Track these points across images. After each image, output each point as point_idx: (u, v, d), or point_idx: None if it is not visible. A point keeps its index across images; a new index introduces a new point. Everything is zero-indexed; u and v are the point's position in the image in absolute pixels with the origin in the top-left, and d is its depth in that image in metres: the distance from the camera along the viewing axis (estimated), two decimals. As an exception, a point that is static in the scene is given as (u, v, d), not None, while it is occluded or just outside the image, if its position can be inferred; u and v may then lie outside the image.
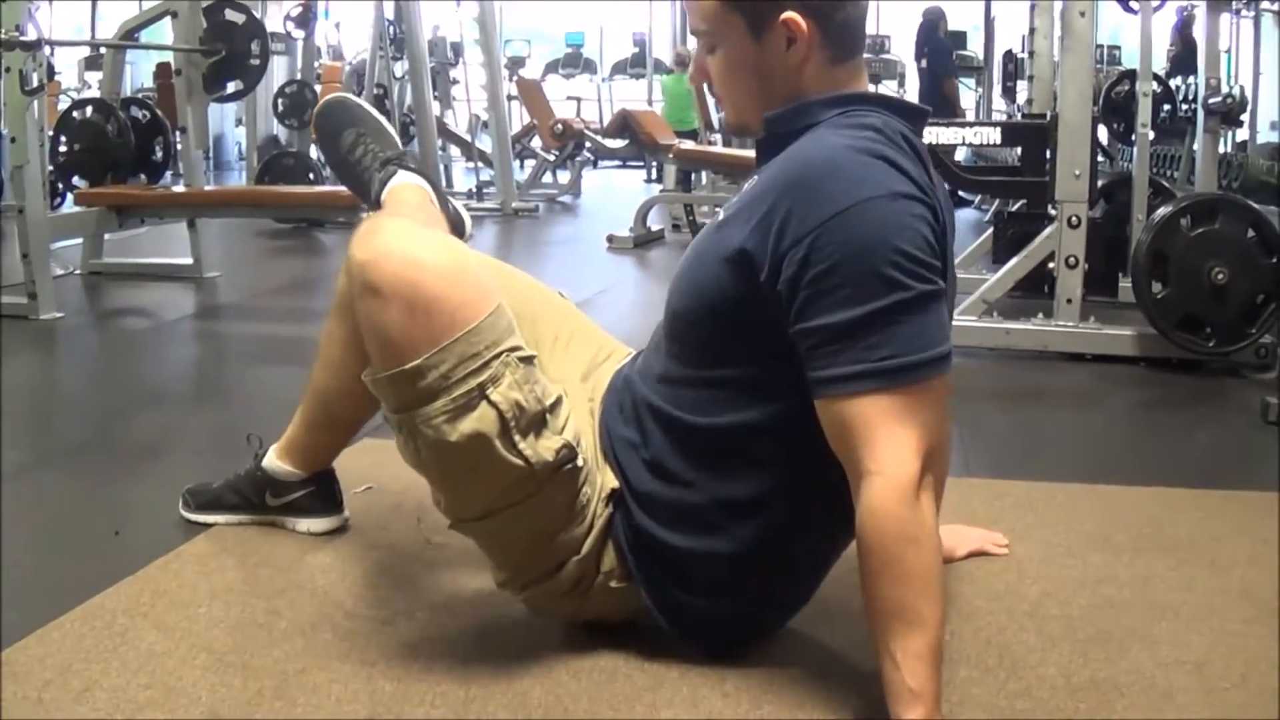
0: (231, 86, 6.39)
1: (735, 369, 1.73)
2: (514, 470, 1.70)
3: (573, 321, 2.20)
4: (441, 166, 10.57)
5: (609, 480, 1.81)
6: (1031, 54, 6.38)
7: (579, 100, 17.33)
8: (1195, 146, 5.51)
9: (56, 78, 11.02)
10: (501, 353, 1.69)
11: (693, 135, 10.05)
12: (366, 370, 1.76)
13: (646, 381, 1.84)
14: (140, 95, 9.66)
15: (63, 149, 6.31)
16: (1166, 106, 8.50)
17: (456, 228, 2.20)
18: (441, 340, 1.66)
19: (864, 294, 1.55)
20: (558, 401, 1.76)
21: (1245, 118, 9.93)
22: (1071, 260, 4.31)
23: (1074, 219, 4.29)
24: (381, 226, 1.75)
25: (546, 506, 1.75)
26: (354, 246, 1.73)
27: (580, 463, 1.75)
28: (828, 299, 1.56)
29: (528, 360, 1.73)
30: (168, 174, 6.72)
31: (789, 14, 1.70)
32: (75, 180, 6.36)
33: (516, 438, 1.68)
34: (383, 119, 2.30)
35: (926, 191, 1.64)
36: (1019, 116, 8.79)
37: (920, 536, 1.54)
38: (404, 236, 1.72)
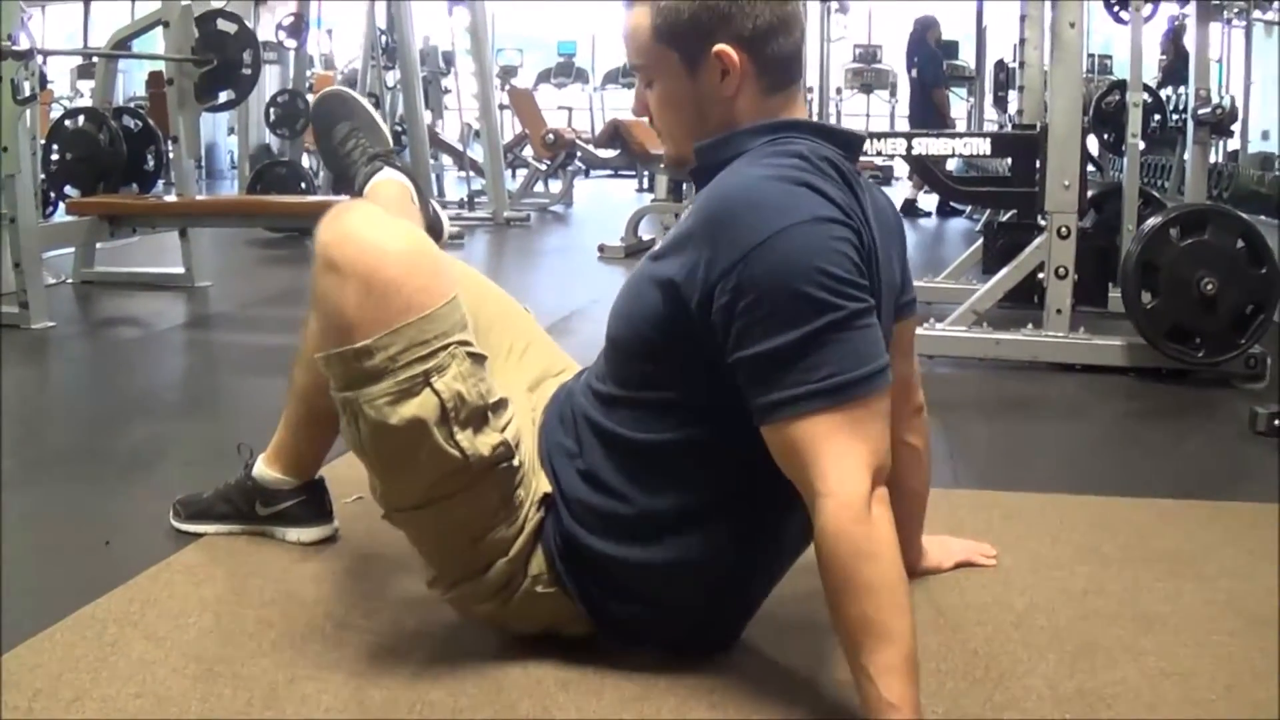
0: (224, 96, 6.39)
1: (667, 392, 1.77)
2: (449, 460, 1.72)
3: (530, 335, 2.25)
4: (433, 176, 10.59)
5: (542, 485, 1.84)
6: (1022, 64, 6.39)
7: (571, 110, 17.35)
8: (1186, 157, 5.52)
9: (49, 86, 11.02)
10: (451, 344, 1.72)
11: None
12: (314, 353, 1.79)
13: (586, 396, 1.88)
14: (132, 104, 9.69)
15: (55, 158, 6.32)
16: (1157, 116, 8.52)
17: (434, 230, 2.23)
18: (394, 323, 1.68)
19: (796, 318, 1.58)
20: (502, 403, 1.79)
21: (1236, 128, 9.96)
22: (1061, 271, 4.32)
23: (1064, 229, 4.30)
24: (350, 209, 1.79)
25: (479, 503, 1.78)
26: (321, 228, 1.76)
27: (516, 463, 1.78)
28: (761, 327, 1.60)
29: (476, 357, 1.76)
30: (160, 183, 6.73)
31: (721, 47, 1.75)
32: (67, 189, 6.37)
33: (455, 428, 1.71)
34: (377, 115, 2.36)
35: (850, 214, 1.67)
36: (1010, 127, 8.80)
37: (877, 551, 1.56)
38: (369, 221, 1.76)
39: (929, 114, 11.29)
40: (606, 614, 1.85)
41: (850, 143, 1.84)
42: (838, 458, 1.57)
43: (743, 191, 1.68)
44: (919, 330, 4.30)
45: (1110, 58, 12.23)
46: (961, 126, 12.50)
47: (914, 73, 11.77)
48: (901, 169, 13.69)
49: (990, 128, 11.45)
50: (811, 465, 1.58)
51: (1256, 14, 10.74)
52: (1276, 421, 3.34)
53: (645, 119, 1.92)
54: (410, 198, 2.19)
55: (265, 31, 11.03)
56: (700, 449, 1.76)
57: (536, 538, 1.83)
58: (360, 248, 1.70)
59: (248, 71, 6.21)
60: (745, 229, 1.62)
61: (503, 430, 1.76)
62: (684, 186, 8.88)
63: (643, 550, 1.78)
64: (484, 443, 1.73)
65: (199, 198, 7.05)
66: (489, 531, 1.80)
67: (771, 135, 1.78)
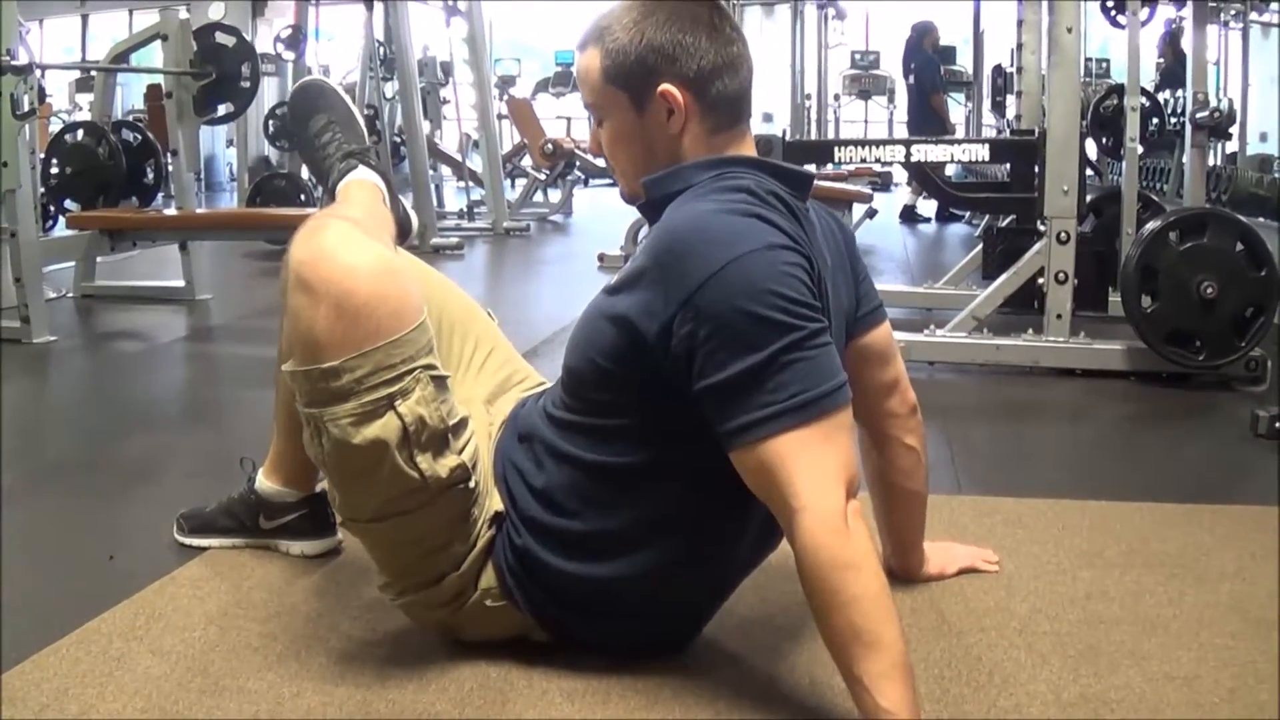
0: (222, 109, 6.40)
1: (620, 419, 1.80)
2: (407, 481, 1.75)
3: (492, 341, 2.29)
4: (432, 186, 10.57)
5: (495, 503, 1.87)
6: (1020, 69, 6.40)
7: (569, 119, 17.35)
8: (1184, 160, 5.52)
9: (48, 100, 11.03)
10: (416, 369, 1.75)
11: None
12: (286, 362, 1.80)
13: (543, 418, 1.91)
14: (131, 118, 9.70)
15: (54, 172, 6.33)
16: (1155, 120, 8.53)
17: (404, 228, 2.26)
18: (363, 347, 1.71)
19: (757, 341, 1.62)
20: (462, 423, 1.82)
21: (1234, 130, 9.97)
22: (1061, 275, 4.33)
23: (1063, 234, 4.30)
24: (325, 227, 1.80)
25: (433, 520, 1.81)
26: (295, 242, 1.79)
27: (473, 484, 1.81)
28: (722, 353, 1.63)
29: (440, 380, 1.79)
30: (159, 196, 6.72)
31: (666, 86, 1.81)
32: (67, 203, 6.37)
33: (415, 451, 1.74)
34: (354, 108, 2.38)
35: (799, 242, 1.71)
36: (1008, 132, 8.80)
37: (858, 560, 1.58)
38: (344, 241, 1.77)
39: (927, 119, 11.28)
40: (561, 626, 1.89)
41: (799, 180, 1.88)
42: (811, 473, 1.59)
43: (693, 225, 1.71)
44: (919, 337, 4.37)
45: (1108, 61, 12.25)
46: (960, 132, 12.50)
47: (911, 78, 11.75)
48: (900, 175, 13.71)
49: (988, 133, 11.47)
50: (785, 483, 1.60)
51: (1254, 16, 10.77)
52: (1277, 424, 3.34)
53: (599, 157, 1.97)
54: (382, 198, 2.22)
55: (263, 44, 11.06)
56: (653, 470, 1.79)
57: (487, 554, 1.87)
58: (333, 270, 1.72)
59: (246, 84, 6.22)
60: (698, 260, 1.65)
61: (461, 452, 1.79)
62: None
63: (596, 566, 1.82)
64: (443, 465, 1.77)
65: (198, 211, 7.06)
66: (442, 547, 1.84)
67: (718, 170, 1.82)
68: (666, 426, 1.76)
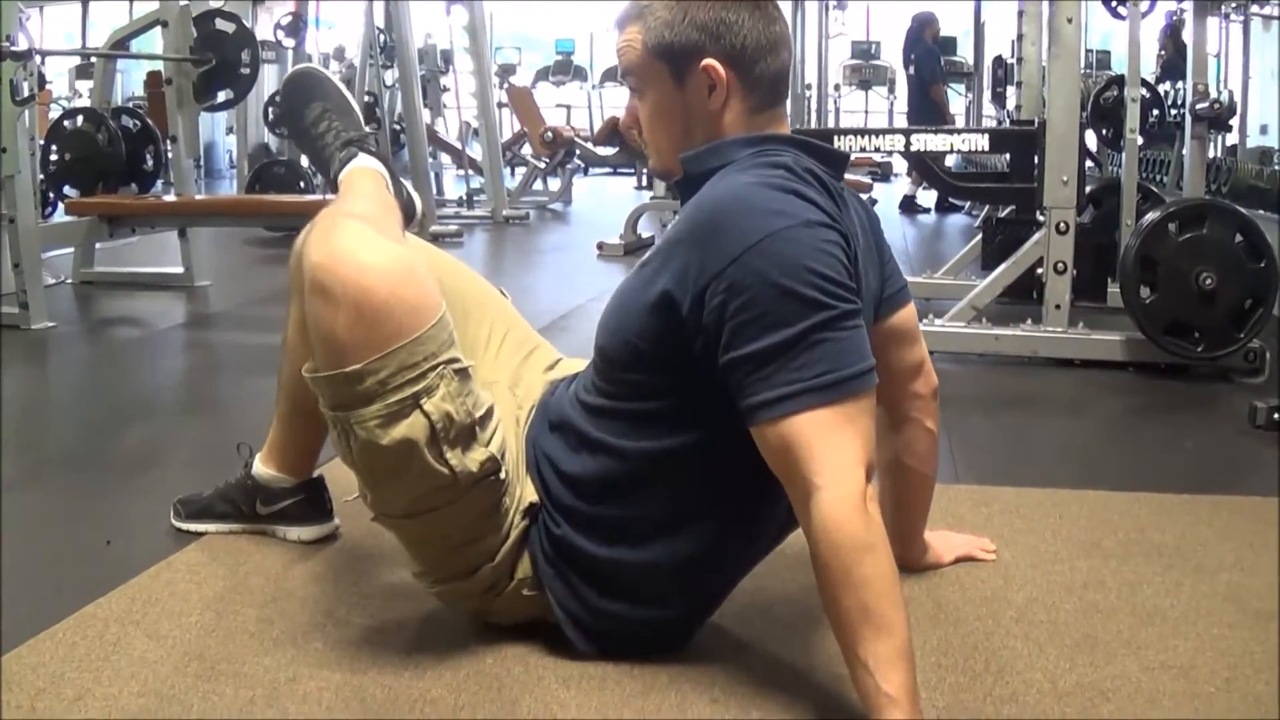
0: (222, 95, 6.38)
1: (655, 402, 1.79)
2: (438, 477, 1.74)
3: (508, 321, 2.28)
4: (432, 174, 10.57)
5: (528, 493, 1.87)
6: (1020, 60, 6.39)
7: (569, 108, 17.35)
8: (1184, 152, 5.51)
9: (47, 87, 11.02)
10: (439, 364, 1.73)
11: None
12: (307, 365, 1.80)
13: (574, 406, 1.90)
14: (131, 104, 9.68)
15: (54, 158, 6.32)
16: (1155, 112, 8.50)
17: (408, 212, 2.25)
18: (384, 348, 1.69)
19: (788, 317, 1.61)
20: (488, 414, 1.81)
21: (1234, 122, 9.95)
22: (1060, 266, 4.33)
23: (1062, 225, 4.30)
24: (338, 227, 1.79)
25: (465, 514, 1.81)
26: (309, 244, 1.78)
27: (503, 475, 1.81)
28: (753, 327, 1.62)
29: (463, 373, 1.77)
30: (159, 183, 6.72)
31: (709, 61, 1.81)
32: (66, 189, 6.36)
33: (444, 447, 1.73)
34: (349, 95, 2.36)
35: (837, 220, 1.71)
36: (1008, 122, 8.80)
37: (875, 543, 1.58)
38: (358, 241, 1.75)
39: (927, 110, 11.27)
40: (585, 611, 1.87)
41: (835, 159, 1.88)
42: (833, 453, 1.59)
43: (733, 197, 1.71)
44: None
45: (1108, 53, 12.22)
46: (960, 122, 12.49)
47: (912, 69, 11.76)
48: (900, 165, 13.70)
49: (988, 123, 11.46)
50: (806, 461, 1.59)
51: (1254, 8, 10.73)
52: (1276, 416, 3.34)
53: (635, 130, 1.96)
54: (385, 185, 2.20)
55: (263, 31, 11.04)
56: (688, 455, 1.78)
57: (522, 544, 1.87)
58: (350, 272, 1.70)
59: (246, 71, 6.21)
60: (737, 232, 1.65)
61: (488, 444, 1.79)
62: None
63: (632, 551, 1.82)
64: (472, 459, 1.76)
65: (198, 197, 7.04)
66: (475, 539, 1.83)
67: (758, 147, 1.82)
68: (701, 410, 1.75)
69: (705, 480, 1.80)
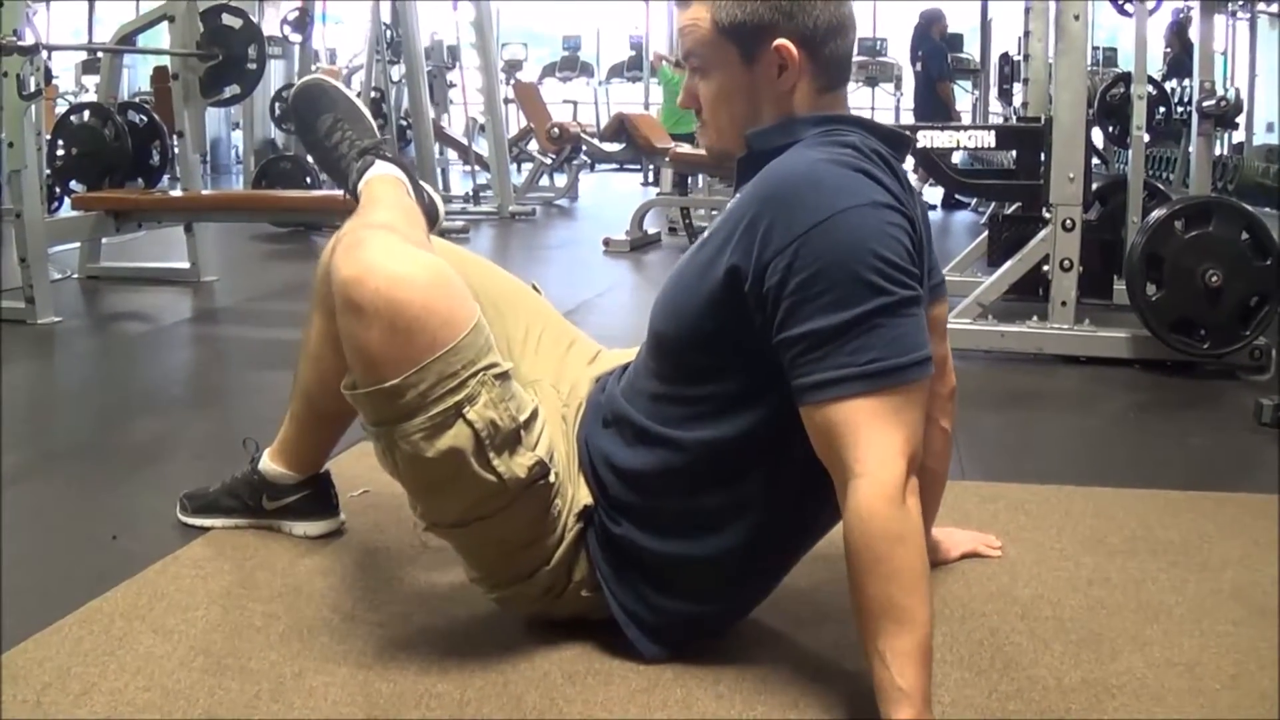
0: (228, 91, 6.36)
1: (717, 385, 1.77)
2: (487, 485, 1.73)
3: (544, 316, 2.26)
4: (438, 170, 10.57)
5: (582, 495, 1.86)
6: (1027, 57, 6.38)
7: (576, 103, 17.34)
8: (1190, 149, 5.51)
9: (54, 82, 11.01)
10: (478, 371, 1.72)
11: (690, 138, 10.03)
12: (345, 380, 1.78)
13: (629, 397, 1.89)
14: (137, 99, 9.68)
15: (60, 153, 6.31)
16: (1162, 109, 8.50)
17: (431, 216, 2.21)
18: (421, 360, 1.68)
19: (847, 299, 1.59)
20: (533, 416, 1.79)
21: (1241, 120, 9.94)
22: (1066, 263, 4.32)
23: (1068, 222, 4.30)
24: (364, 241, 1.76)
25: (518, 519, 1.80)
26: (337, 259, 1.74)
27: (552, 478, 1.80)
28: (810, 306, 1.60)
29: (503, 377, 1.76)
30: (165, 178, 6.70)
31: (781, 41, 1.77)
32: (72, 184, 6.35)
33: (491, 455, 1.72)
34: (359, 103, 2.33)
35: (903, 203, 1.69)
36: (1015, 119, 8.79)
37: (908, 535, 1.57)
38: (386, 254, 1.73)
39: (934, 107, 11.27)
40: (645, 609, 1.86)
41: (899, 140, 1.86)
42: (876, 442, 1.58)
43: (803, 172, 1.69)
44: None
45: (1115, 50, 12.23)
46: (966, 119, 12.48)
47: (919, 66, 11.74)
48: (907, 162, 13.68)
49: (995, 120, 11.44)
50: (849, 448, 1.58)
51: (1261, 6, 10.73)
52: (1281, 413, 3.35)
53: (693, 110, 1.92)
54: (406, 191, 2.16)
55: (270, 26, 11.03)
56: (745, 445, 1.77)
57: (578, 546, 1.86)
58: (381, 285, 1.67)
59: (253, 66, 6.20)
60: (805, 208, 1.63)
61: (535, 446, 1.77)
62: (689, 180, 8.87)
63: (694, 544, 1.81)
64: (520, 464, 1.75)
65: (204, 192, 7.04)
66: (530, 543, 1.83)
67: (826, 126, 1.80)
68: (762, 393, 1.73)
69: (763, 471, 1.78)
